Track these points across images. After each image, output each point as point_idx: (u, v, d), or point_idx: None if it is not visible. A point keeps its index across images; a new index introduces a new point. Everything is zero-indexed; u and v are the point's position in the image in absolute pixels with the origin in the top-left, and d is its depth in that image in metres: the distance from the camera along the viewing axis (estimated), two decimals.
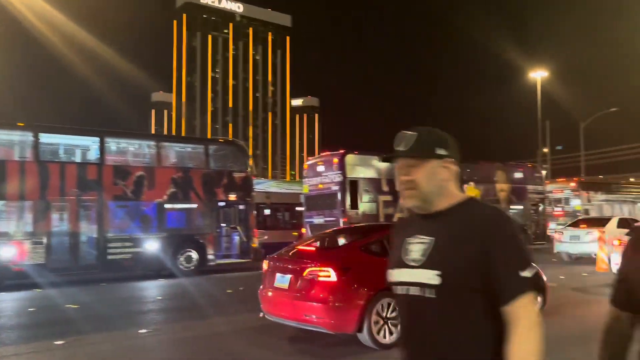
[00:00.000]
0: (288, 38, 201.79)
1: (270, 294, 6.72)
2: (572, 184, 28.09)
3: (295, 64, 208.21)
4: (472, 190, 21.21)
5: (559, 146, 60.10)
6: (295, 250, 7.31)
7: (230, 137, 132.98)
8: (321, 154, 21.11)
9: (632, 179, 57.98)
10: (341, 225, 17.95)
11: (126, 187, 14.42)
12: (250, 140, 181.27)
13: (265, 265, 7.10)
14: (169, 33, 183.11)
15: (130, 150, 15.84)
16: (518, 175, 23.76)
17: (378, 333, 6.23)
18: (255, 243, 16.13)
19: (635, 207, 29.34)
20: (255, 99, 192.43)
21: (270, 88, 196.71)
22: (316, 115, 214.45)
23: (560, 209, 27.72)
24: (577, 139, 45.34)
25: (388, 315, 6.30)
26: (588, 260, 15.71)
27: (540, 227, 23.93)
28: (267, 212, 20.35)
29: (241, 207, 16.54)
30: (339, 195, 18.20)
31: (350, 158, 18.57)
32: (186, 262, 14.99)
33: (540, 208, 24.13)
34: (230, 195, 15.90)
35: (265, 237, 19.02)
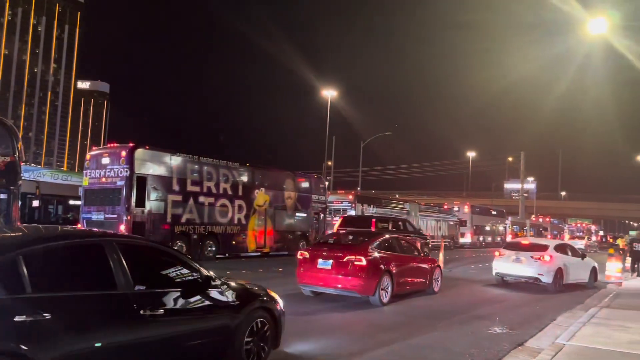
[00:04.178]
0: (79, 14, 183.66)
1: (314, 273, 10.51)
2: (350, 197, 30.83)
3: (86, 43, 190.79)
4: (262, 196, 21.75)
5: None
6: (326, 244, 11.60)
7: None
8: (108, 145, 19.43)
9: (397, 195, 66.48)
10: (124, 223, 16.76)
11: None
12: (22, 120, 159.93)
13: (305, 254, 10.88)
14: None
15: None
16: (305, 184, 25.14)
17: (382, 296, 10.37)
18: None
19: None
20: (33, 75, 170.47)
21: (53, 65, 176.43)
22: (105, 102, 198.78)
23: (338, 218, 30.13)
24: (359, 155, 50.02)
25: (387, 286, 10.53)
26: None
27: (320, 234, 25.63)
28: (35, 204, 17.91)
29: (2, 196, 14.25)
30: (124, 192, 16.95)
31: (140, 153, 17.46)
32: None
33: (322, 216, 25.88)
34: None
35: None
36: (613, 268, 16.65)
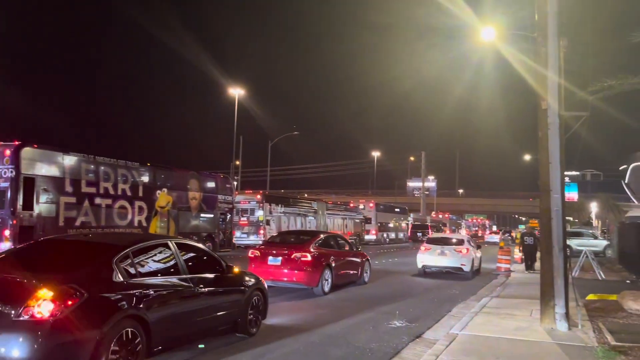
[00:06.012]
0: None
1: (265, 268, 11.74)
2: (258, 196, 30.55)
3: None
4: (164, 197, 20.97)
5: None
6: (274, 244, 13.42)
7: None
8: None
9: (305, 195, 67.05)
10: (8, 228, 15.43)
11: None
12: None
13: (257, 253, 12.48)
14: None
15: None
16: (210, 184, 24.55)
17: (324, 286, 12.12)
18: None
19: (306, 219, 33.68)
20: None
21: None
22: None
23: (245, 218, 29.82)
24: (267, 154, 49.76)
25: (327, 278, 12.29)
26: None
27: (227, 235, 25.19)
28: None
29: None
30: (9, 194, 15.58)
31: (27, 152, 16.13)
32: None
33: (228, 217, 25.43)
34: None
35: None
36: (503, 259, 18.39)
